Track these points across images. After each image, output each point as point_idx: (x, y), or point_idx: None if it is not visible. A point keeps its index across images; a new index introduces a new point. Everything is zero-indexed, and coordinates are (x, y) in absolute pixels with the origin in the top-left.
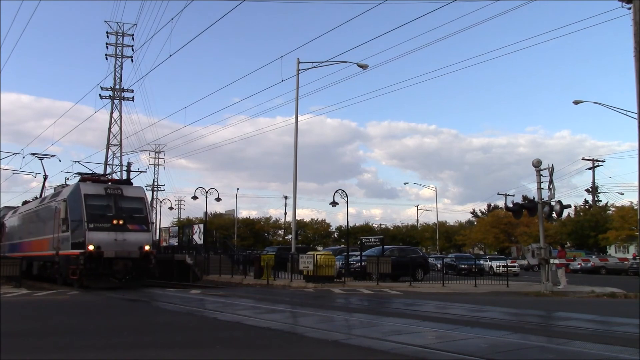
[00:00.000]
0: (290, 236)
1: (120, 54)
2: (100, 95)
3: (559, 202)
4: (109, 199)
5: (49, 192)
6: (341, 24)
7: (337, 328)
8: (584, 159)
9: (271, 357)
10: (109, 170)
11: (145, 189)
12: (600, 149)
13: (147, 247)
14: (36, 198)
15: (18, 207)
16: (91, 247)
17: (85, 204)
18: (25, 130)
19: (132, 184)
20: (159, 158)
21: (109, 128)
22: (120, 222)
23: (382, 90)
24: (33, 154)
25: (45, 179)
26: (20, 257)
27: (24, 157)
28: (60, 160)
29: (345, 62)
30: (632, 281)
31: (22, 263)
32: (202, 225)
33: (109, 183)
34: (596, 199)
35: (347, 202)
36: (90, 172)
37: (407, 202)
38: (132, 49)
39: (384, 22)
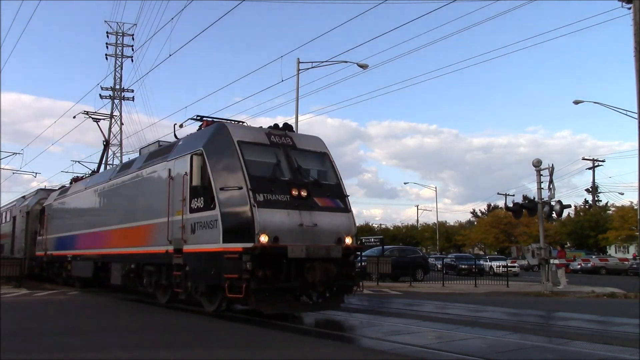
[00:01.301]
0: None
1: (120, 53)
2: (100, 95)
3: (559, 202)
4: (278, 154)
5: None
6: (341, 24)
7: (337, 328)
8: (584, 159)
9: (271, 357)
10: None
11: None
12: (600, 148)
13: (348, 240)
14: (93, 172)
15: (65, 186)
16: (264, 239)
17: (244, 160)
18: (25, 130)
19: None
20: None
21: (109, 128)
22: (303, 193)
23: (383, 90)
24: (86, 112)
25: (106, 145)
26: (81, 256)
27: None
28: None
29: (346, 62)
30: (632, 281)
31: (83, 266)
32: None
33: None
34: (596, 199)
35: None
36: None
37: (407, 202)
38: (132, 49)
39: (384, 22)
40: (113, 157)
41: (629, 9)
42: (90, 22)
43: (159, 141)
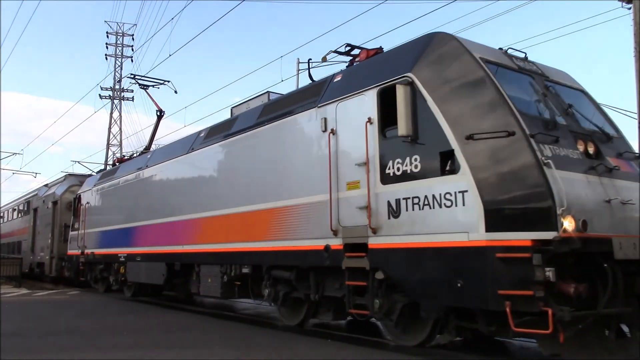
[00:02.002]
0: None
1: (120, 54)
2: (100, 95)
3: None
4: (535, 85)
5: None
6: (341, 24)
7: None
8: None
9: (271, 357)
10: None
11: None
12: None
13: None
14: (147, 149)
15: (104, 170)
16: (569, 225)
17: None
18: (25, 130)
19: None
20: None
21: (109, 128)
22: (591, 148)
23: None
24: (133, 75)
25: (160, 115)
26: (144, 255)
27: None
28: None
29: (346, 62)
30: None
31: (148, 269)
32: None
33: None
34: None
35: None
36: (91, 172)
37: None
38: (132, 49)
39: (384, 22)
40: (113, 157)
41: (629, 9)
42: (90, 22)
43: (268, 92)
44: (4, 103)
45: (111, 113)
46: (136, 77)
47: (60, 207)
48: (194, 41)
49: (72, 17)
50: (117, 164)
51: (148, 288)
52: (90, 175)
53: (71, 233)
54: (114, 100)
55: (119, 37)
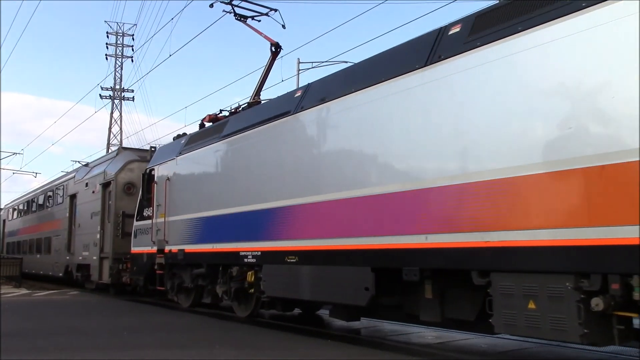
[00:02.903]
0: None
1: (120, 54)
2: (100, 95)
3: None
4: None
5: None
6: (341, 24)
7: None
8: None
9: (271, 357)
10: None
11: None
12: None
13: None
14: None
15: (189, 133)
16: None
17: None
18: (25, 130)
19: None
20: None
21: (109, 128)
22: None
23: None
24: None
25: (275, 51)
26: (309, 254)
27: None
28: None
29: (346, 62)
30: None
31: (324, 277)
32: None
33: None
34: None
35: None
36: None
37: None
38: (132, 49)
39: (384, 22)
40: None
41: None
42: (90, 22)
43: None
44: (4, 103)
45: (111, 113)
46: (233, 3)
47: (115, 190)
48: (194, 41)
49: (72, 17)
50: (207, 123)
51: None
52: (151, 150)
53: (137, 224)
54: (114, 100)
55: (119, 37)
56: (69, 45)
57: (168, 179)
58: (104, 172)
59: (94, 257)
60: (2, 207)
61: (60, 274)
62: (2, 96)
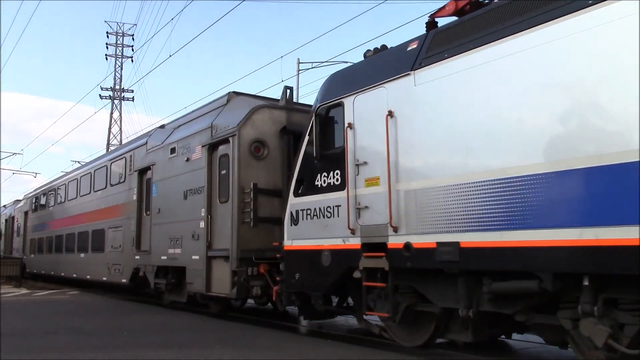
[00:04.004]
0: None
1: (120, 54)
2: (100, 95)
3: None
4: None
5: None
6: (341, 24)
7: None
8: None
9: (271, 357)
10: None
11: None
12: None
13: None
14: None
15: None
16: None
17: None
18: (25, 130)
19: None
20: None
21: (109, 128)
22: None
23: None
24: None
25: None
26: None
27: None
28: None
29: (346, 62)
30: None
31: None
32: None
33: None
34: None
35: None
36: None
37: None
38: (132, 49)
39: (384, 22)
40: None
41: None
42: (90, 22)
43: None
44: (4, 103)
45: (111, 113)
46: None
47: (237, 152)
48: (194, 41)
49: (72, 17)
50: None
51: None
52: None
53: (298, 201)
54: (114, 101)
55: (119, 37)
56: (69, 45)
57: (390, 114)
58: (212, 126)
59: (195, 257)
60: (2, 205)
61: (124, 280)
62: (2, 96)
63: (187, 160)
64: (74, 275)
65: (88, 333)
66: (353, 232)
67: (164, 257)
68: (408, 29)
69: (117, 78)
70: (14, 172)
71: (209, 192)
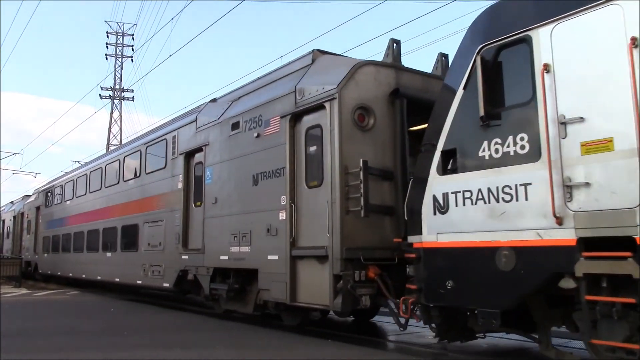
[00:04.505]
0: None
1: (120, 54)
2: (100, 95)
3: None
4: None
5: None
6: (341, 23)
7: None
8: None
9: (271, 357)
10: None
11: None
12: None
13: None
14: None
15: None
16: None
17: None
18: (25, 130)
19: None
20: None
21: (109, 128)
22: None
23: None
24: None
25: None
26: None
27: None
28: None
29: None
30: None
31: None
32: None
33: None
34: None
35: None
36: None
37: None
38: (132, 49)
39: (384, 22)
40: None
41: None
42: (90, 22)
43: None
44: (4, 103)
45: (111, 113)
46: None
47: (338, 120)
48: (194, 41)
49: (72, 17)
50: None
51: None
52: None
53: (453, 179)
54: (114, 100)
55: (119, 37)
56: (69, 45)
57: (634, 42)
58: (297, 91)
59: (272, 257)
60: (10, 202)
61: (166, 284)
62: (2, 96)
63: (257, 136)
64: (98, 278)
65: (88, 333)
66: (560, 221)
67: (224, 258)
68: (409, 28)
69: (117, 78)
70: (14, 172)
71: (292, 175)
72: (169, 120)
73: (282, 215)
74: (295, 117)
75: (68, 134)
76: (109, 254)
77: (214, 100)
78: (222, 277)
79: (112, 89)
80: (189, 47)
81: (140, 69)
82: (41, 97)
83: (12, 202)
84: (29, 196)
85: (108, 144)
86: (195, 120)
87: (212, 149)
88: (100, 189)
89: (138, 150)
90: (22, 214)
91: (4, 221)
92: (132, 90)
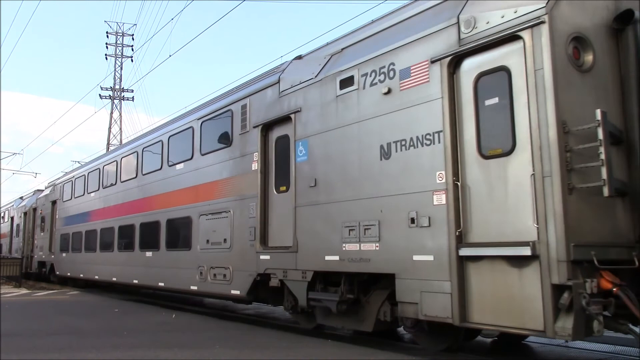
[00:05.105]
0: None
1: (120, 54)
2: (100, 95)
3: None
4: None
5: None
6: (341, 23)
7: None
8: None
9: (272, 357)
10: None
11: None
12: None
13: None
14: None
15: None
16: None
17: None
18: (25, 130)
19: None
20: None
21: (109, 128)
22: None
23: None
24: None
25: None
26: None
27: None
28: None
29: None
30: None
31: None
32: None
33: None
34: None
35: None
36: None
37: None
38: (132, 49)
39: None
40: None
41: None
42: (90, 22)
43: None
44: (4, 103)
45: (111, 113)
46: None
47: (544, 61)
48: (194, 41)
49: (72, 17)
50: None
51: None
52: None
53: None
54: (114, 100)
55: (119, 37)
56: (69, 45)
57: None
58: (462, 22)
59: (421, 257)
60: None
61: (236, 291)
62: (2, 96)
63: (388, 92)
64: (135, 282)
65: (88, 333)
66: None
67: (331, 258)
68: None
69: (117, 78)
70: (14, 172)
71: (454, 142)
72: (230, 90)
73: (439, 199)
74: (457, 60)
75: (68, 134)
76: (148, 254)
77: (299, 57)
78: (324, 284)
79: (112, 89)
80: (189, 47)
81: (140, 69)
82: (41, 97)
83: (21, 198)
84: (41, 191)
85: (108, 144)
86: (278, 81)
87: (306, 116)
88: (135, 177)
89: (189, 128)
90: (35, 209)
91: (12, 218)
92: (132, 90)
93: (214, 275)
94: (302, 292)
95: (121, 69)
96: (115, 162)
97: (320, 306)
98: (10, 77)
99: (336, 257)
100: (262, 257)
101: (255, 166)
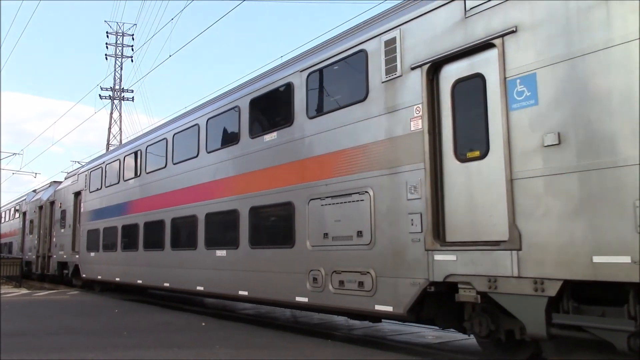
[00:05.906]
0: None
1: (120, 54)
2: (100, 95)
3: None
4: None
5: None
6: (341, 24)
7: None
8: None
9: (272, 357)
10: None
11: None
12: None
13: None
14: None
15: None
16: None
17: None
18: (25, 130)
19: None
20: None
21: (109, 128)
22: None
23: None
24: None
25: None
26: None
27: None
28: None
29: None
30: None
31: None
32: None
33: None
34: None
35: None
36: None
37: None
38: (132, 49)
39: None
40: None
41: None
42: (90, 22)
43: None
44: (4, 103)
45: (111, 113)
46: None
47: None
48: (194, 41)
49: (72, 17)
50: None
51: None
52: None
53: None
54: (114, 101)
55: (119, 37)
56: (69, 45)
57: None
58: None
59: None
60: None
61: (388, 309)
62: (2, 96)
63: None
64: (199, 288)
65: (88, 333)
66: None
67: (607, 259)
68: None
69: (117, 78)
70: (14, 172)
71: None
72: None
73: None
74: None
75: (68, 134)
76: (220, 253)
77: None
78: (577, 302)
79: (112, 89)
80: (189, 47)
81: (140, 69)
82: (41, 97)
83: (34, 191)
84: (58, 182)
85: (108, 143)
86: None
87: (530, 38)
88: (196, 156)
89: (286, 84)
90: (53, 202)
91: (24, 214)
92: (132, 91)
93: (340, 283)
94: (536, 314)
95: (121, 69)
96: (164, 140)
97: (567, 335)
98: (10, 77)
99: (621, 258)
100: (438, 257)
101: (418, 124)
